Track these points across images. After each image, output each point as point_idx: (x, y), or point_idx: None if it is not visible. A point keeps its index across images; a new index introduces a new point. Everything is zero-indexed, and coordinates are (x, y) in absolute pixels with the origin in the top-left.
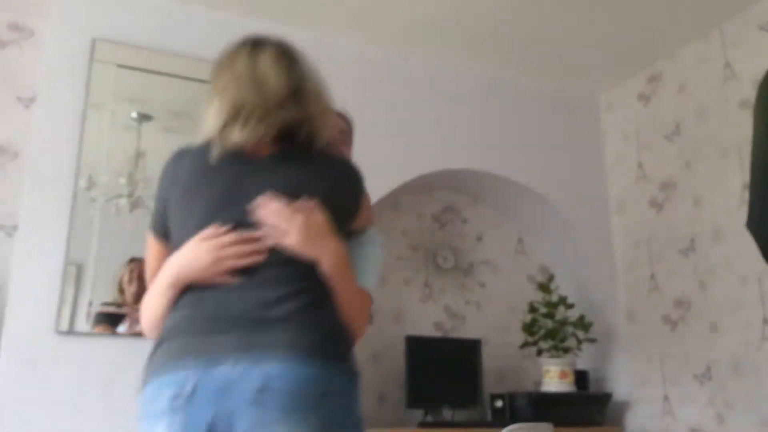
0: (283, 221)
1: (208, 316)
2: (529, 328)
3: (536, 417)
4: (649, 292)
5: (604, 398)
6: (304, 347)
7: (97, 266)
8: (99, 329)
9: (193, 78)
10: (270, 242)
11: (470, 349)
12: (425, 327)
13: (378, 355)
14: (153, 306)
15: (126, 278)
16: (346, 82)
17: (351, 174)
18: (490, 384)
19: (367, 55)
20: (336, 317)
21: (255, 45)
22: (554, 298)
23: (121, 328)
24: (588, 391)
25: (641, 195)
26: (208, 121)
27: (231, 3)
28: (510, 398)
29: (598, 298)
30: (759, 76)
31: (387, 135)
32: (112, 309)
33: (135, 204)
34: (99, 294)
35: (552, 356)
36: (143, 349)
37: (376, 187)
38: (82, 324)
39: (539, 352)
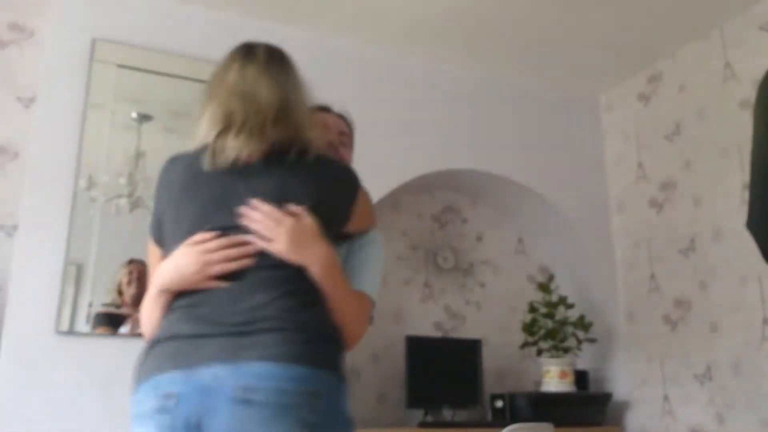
0: (270, 227)
1: (197, 320)
2: (529, 328)
3: (536, 417)
4: (649, 292)
5: (604, 398)
6: (289, 349)
7: (97, 266)
8: (100, 330)
9: (193, 78)
10: (258, 246)
11: (470, 349)
12: (425, 327)
13: (378, 355)
14: (149, 311)
15: (125, 280)
16: (346, 82)
17: (342, 177)
18: (490, 384)
19: (367, 55)
20: (325, 319)
21: (246, 54)
22: (554, 298)
23: (123, 329)
24: (588, 391)
25: (641, 195)
26: (201, 129)
27: (231, 3)
28: (510, 398)
29: (598, 298)
30: (759, 76)
31: (387, 135)
32: (112, 310)
33: (135, 204)
34: (99, 294)
35: (552, 356)
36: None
37: (377, 187)
38: (82, 324)
39: (539, 352)
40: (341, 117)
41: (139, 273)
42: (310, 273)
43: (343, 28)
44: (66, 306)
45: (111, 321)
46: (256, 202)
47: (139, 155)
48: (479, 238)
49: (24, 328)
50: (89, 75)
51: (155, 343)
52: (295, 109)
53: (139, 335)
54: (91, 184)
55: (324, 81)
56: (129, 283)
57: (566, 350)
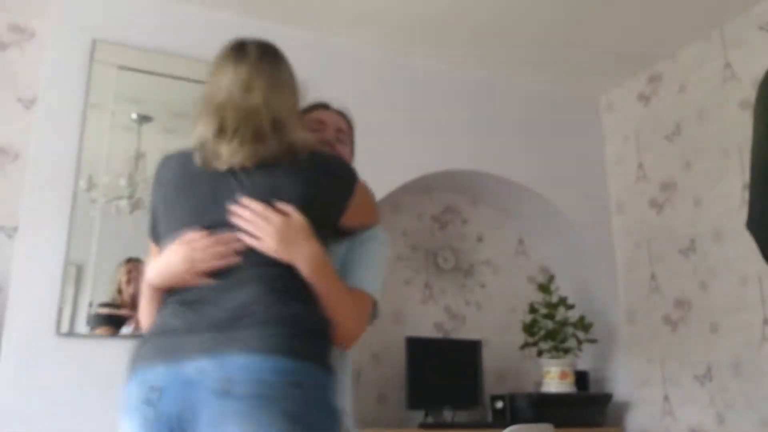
0: (259, 225)
1: (186, 315)
2: (529, 328)
3: (537, 418)
4: (649, 293)
5: (605, 399)
6: (273, 341)
7: (98, 267)
8: (101, 331)
9: (193, 79)
10: (247, 244)
11: (471, 350)
12: (426, 328)
13: (378, 356)
14: (144, 308)
15: (124, 279)
16: (346, 82)
17: (337, 171)
18: (490, 385)
19: (367, 55)
20: (312, 315)
21: (238, 54)
22: (554, 298)
23: (126, 329)
24: (588, 391)
25: (641, 195)
26: (196, 131)
27: (231, 3)
28: (510, 399)
29: (598, 299)
30: (759, 76)
31: (387, 135)
32: (113, 311)
33: (135, 205)
34: (99, 295)
35: (552, 357)
36: None
37: (377, 187)
38: (83, 325)
39: (540, 353)
40: (340, 113)
41: (138, 272)
42: (300, 271)
43: (342, 28)
44: (66, 307)
45: (111, 321)
46: (246, 200)
47: (139, 156)
48: (479, 239)
49: (24, 329)
50: (89, 76)
51: (146, 337)
52: (287, 110)
53: (141, 336)
54: (91, 185)
55: (324, 81)
56: (128, 282)
57: (566, 351)
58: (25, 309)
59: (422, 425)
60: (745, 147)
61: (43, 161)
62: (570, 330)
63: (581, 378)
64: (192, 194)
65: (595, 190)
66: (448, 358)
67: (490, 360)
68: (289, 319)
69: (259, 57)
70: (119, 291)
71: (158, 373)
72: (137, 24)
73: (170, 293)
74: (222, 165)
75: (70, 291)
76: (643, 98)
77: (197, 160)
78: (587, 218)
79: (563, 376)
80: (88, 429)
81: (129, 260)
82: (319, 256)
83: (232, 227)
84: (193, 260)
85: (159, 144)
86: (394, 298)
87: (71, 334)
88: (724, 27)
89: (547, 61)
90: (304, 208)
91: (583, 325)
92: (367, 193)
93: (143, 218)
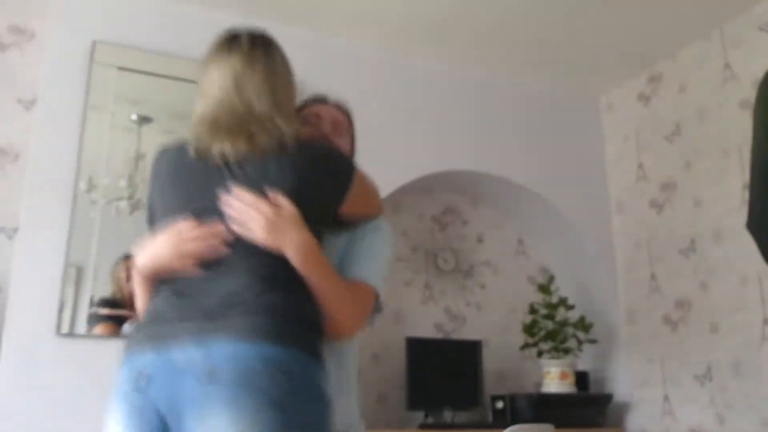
0: (249, 215)
1: (175, 304)
2: (529, 329)
3: (537, 418)
4: (649, 293)
5: (605, 399)
6: (260, 329)
7: (98, 268)
8: (101, 331)
9: (193, 80)
10: (236, 233)
11: (471, 351)
12: (426, 328)
13: (378, 357)
14: (138, 299)
15: (123, 275)
16: (346, 82)
17: (330, 160)
18: (490, 385)
19: (367, 55)
20: (301, 303)
21: (230, 47)
22: (554, 299)
23: (127, 328)
24: (588, 392)
25: (641, 195)
26: (192, 122)
27: (231, 3)
28: (511, 399)
29: (598, 299)
30: (759, 76)
31: (387, 135)
32: (113, 310)
33: (135, 206)
34: (99, 296)
35: (552, 357)
36: None
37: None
38: (83, 326)
39: (540, 354)
40: (338, 107)
41: None
42: (290, 260)
43: (342, 28)
44: (66, 308)
45: (113, 320)
46: (236, 189)
47: (139, 157)
48: (479, 240)
49: (24, 330)
50: (89, 77)
51: (137, 327)
52: (281, 101)
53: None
54: (91, 186)
55: (324, 81)
56: (128, 278)
57: (567, 351)
58: (25, 309)
59: (422, 426)
60: (745, 147)
61: (43, 162)
62: (570, 330)
63: (581, 378)
64: (184, 183)
65: (595, 190)
66: (448, 359)
67: (490, 360)
68: (278, 308)
69: (251, 47)
70: (120, 288)
71: (148, 359)
72: (137, 25)
73: (162, 282)
74: (215, 156)
75: (70, 291)
76: (643, 98)
77: (191, 152)
78: (587, 218)
79: (563, 376)
80: (88, 429)
81: (128, 257)
82: (309, 245)
83: (222, 214)
84: (181, 250)
85: (159, 145)
86: (394, 298)
87: (71, 334)
88: (724, 27)
89: (547, 61)
90: (296, 198)
91: (583, 325)
92: (367, 184)
93: (143, 219)
